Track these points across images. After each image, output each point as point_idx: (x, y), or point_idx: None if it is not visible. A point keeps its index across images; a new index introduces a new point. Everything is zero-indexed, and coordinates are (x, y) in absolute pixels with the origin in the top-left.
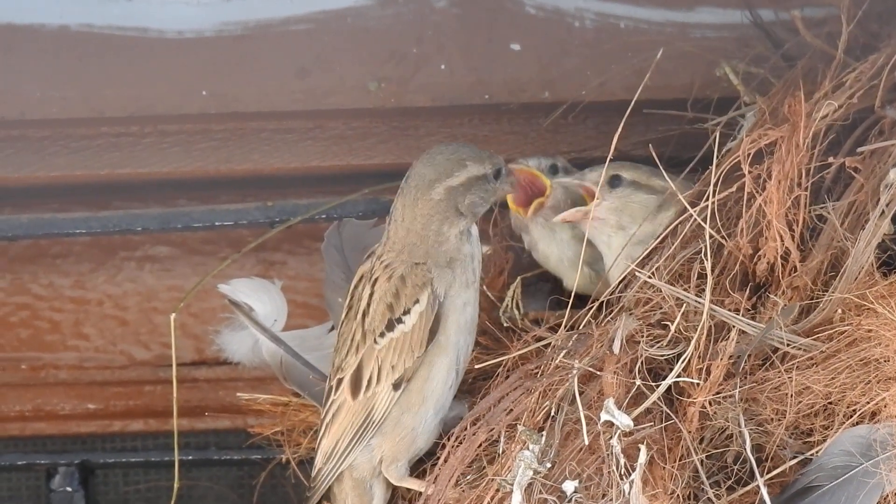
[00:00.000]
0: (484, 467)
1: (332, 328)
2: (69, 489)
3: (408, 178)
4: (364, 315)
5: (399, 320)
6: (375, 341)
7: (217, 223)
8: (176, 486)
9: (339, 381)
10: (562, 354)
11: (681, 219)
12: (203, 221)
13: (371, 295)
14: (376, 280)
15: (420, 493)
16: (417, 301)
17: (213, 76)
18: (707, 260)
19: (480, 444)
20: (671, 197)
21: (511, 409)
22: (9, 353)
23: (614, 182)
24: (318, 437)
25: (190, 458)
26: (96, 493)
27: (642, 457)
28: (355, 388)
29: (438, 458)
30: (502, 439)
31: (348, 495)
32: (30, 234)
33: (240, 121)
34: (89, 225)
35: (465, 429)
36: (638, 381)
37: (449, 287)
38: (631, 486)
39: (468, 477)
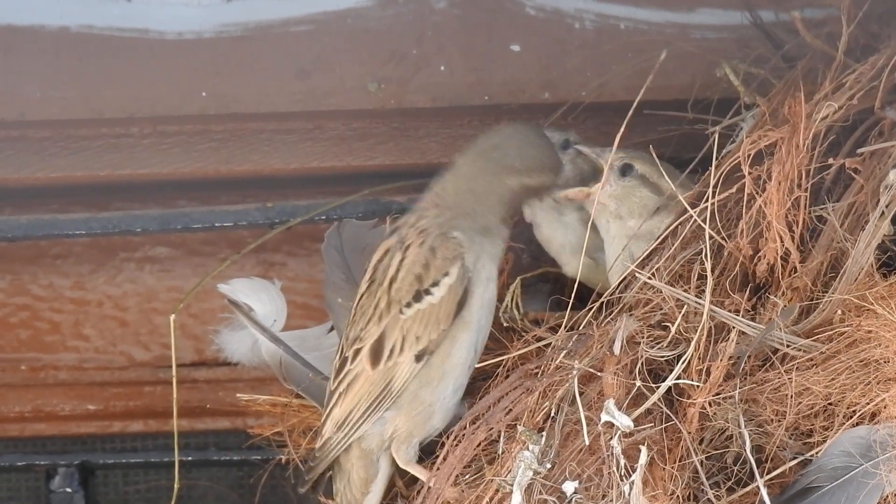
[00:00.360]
0: (483, 467)
1: (332, 329)
2: (69, 490)
3: (487, 148)
4: (392, 282)
5: (427, 291)
6: (401, 311)
7: (217, 224)
8: (176, 486)
9: (357, 351)
10: (562, 355)
11: (681, 219)
12: (203, 222)
13: (402, 261)
14: (409, 246)
15: (418, 493)
16: (447, 273)
17: (213, 77)
18: (707, 261)
19: (479, 444)
20: (671, 201)
21: (511, 409)
22: (8, 354)
23: (625, 170)
24: (326, 408)
25: (190, 458)
26: (96, 493)
27: (642, 457)
28: (376, 357)
29: (437, 456)
30: (502, 439)
31: (354, 466)
32: (30, 234)
33: (240, 122)
34: (89, 226)
35: (465, 428)
36: (638, 382)
37: (477, 259)
38: (631, 487)
39: (467, 477)
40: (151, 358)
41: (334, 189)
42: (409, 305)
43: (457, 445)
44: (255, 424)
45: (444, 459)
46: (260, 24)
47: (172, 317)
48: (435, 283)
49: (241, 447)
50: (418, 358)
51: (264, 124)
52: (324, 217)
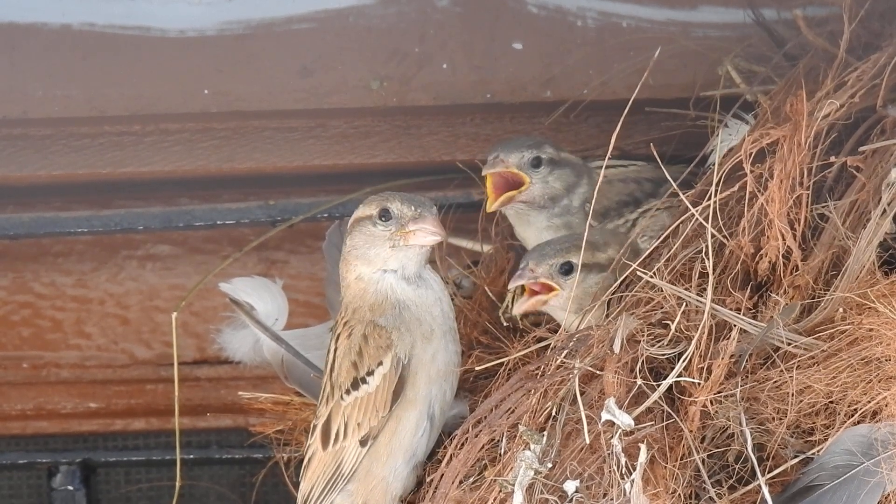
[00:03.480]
0: (486, 467)
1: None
2: (71, 488)
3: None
4: (332, 369)
5: (363, 380)
6: (342, 397)
7: (219, 222)
8: (178, 484)
9: (314, 427)
10: (563, 354)
11: (682, 218)
12: (205, 220)
13: (335, 351)
14: (339, 336)
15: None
16: (381, 363)
17: (216, 75)
18: (708, 259)
19: (483, 446)
20: (616, 271)
21: (513, 410)
22: (10, 352)
23: (564, 268)
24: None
25: (191, 456)
26: (98, 491)
27: (643, 456)
28: (325, 439)
29: (440, 460)
30: (504, 440)
31: None
32: (32, 232)
33: (242, 119)
34: (91, 224)
35: (467, 431)
36: (639, 381)
37: (412, 347)
38: (632, 486)
39: (470, 479)
40: (153, 356)
41: (336, 187)
42: (348, 392)
43: (460, 449)
44: (257, 423)
45: (448, 463)
46: (262, 22)
47: (174, 315)
48: (370, 373)
49: (242, 445)
50: (363, 443)
51: (266, 122)
52: (326, 215)
